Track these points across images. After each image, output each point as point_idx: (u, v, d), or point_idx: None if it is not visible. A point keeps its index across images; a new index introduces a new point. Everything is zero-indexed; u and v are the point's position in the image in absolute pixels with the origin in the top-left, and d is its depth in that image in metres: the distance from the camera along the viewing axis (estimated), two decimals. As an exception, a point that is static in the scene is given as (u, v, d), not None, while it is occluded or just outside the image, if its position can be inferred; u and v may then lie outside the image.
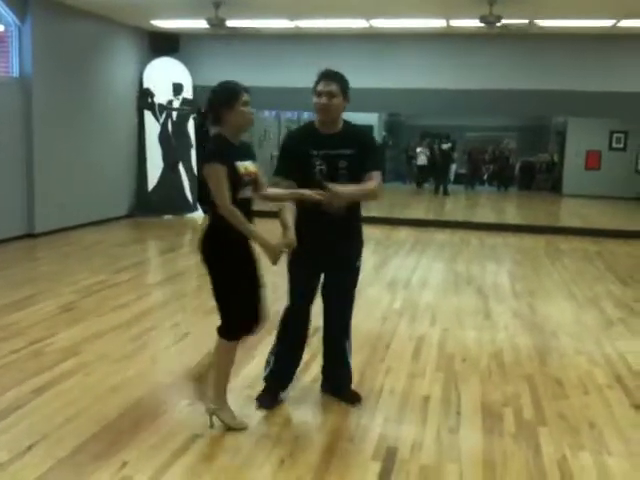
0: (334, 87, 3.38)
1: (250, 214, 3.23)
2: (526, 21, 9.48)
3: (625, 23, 9.59)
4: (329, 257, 3.56)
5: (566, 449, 3.26)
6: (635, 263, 8.82)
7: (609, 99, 10.80)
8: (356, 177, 3.40)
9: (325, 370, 3.83)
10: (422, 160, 19.24)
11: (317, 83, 3.42)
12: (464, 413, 3.64)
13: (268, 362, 3.78)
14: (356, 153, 3.42)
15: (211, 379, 3.35)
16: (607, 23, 9.69)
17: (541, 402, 3.84)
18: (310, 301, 3.66)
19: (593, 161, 18.40)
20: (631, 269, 8.30)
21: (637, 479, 3.02)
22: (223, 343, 3.33)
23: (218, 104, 3.15)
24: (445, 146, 18.18)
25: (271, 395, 3.67)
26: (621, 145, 18.29)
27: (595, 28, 10.06)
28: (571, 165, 18.60)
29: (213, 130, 3.25)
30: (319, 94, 3.39)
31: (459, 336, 5.11)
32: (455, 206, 15.39)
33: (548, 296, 6.60)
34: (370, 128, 18.97)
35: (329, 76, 3.42)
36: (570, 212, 15.62)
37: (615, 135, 18.20)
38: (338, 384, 3.78)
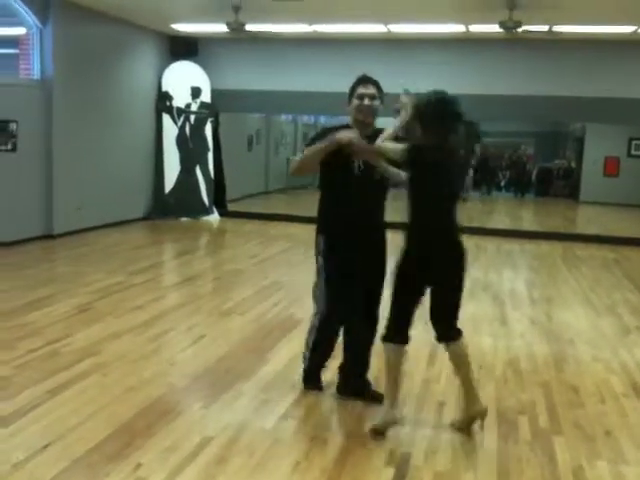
0: (374, 90, 3.57)
1: None
2: (545, 27, 9.44)
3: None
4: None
5: (582, 458, 3.24)
6: (653, 271, 8.74)
7: (629, 105, 10.71)
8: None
9: (349, 372, 3.84)
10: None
11: (355, 87, 3.60)
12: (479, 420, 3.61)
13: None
14: None
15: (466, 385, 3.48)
16: (627, 29, 9.62)
17: (557, 410, 3.81)
18: None
19: (611, 168, 18.24)
20: (649, 277, 8.22)
21: (654, 489, 3.00)
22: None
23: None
24: None
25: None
26: (640, 152, 18.13)
27: (615, 34, 9.99)
28: (589, 172, 18.47)
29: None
30: (361, 97, 3.55)
31: (475, 342, 5.07)
32: (471, 212, 15.31)
33: (565, 303, 6.55)
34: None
35: (368, 80, 3.61)
36: (588, 219, 15.50)
37: (634, 142, 18.04)
38: (361, 385, 3.81)
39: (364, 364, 3.81)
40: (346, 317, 3.69)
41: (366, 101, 3.53)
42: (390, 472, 3.00)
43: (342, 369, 3.86)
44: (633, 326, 5.75)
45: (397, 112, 3.42)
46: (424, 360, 4.57)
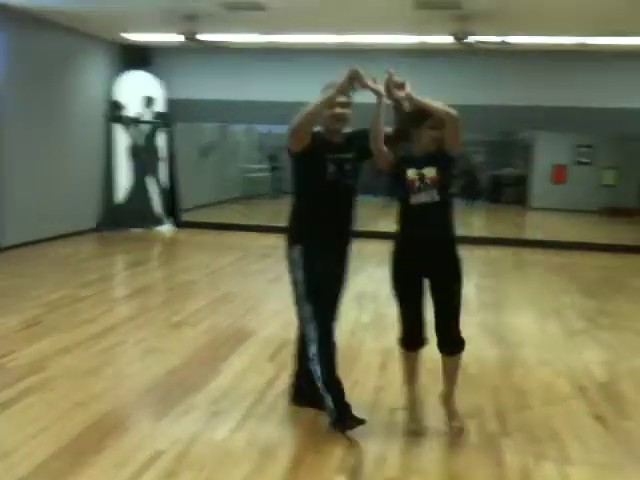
0: (346, 98, 3.56)
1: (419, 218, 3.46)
2: (497, 38, 9.64)
3: (591, 41, 9.81)
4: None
5: (529, 459, 3.30)
6: (599, 275, 8.99)
7: (578, 114, 11.03)
8: (358, 176, 3.65)
9: (307, 380, 3.70)
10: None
11: None
12: (429, 425, 3.66)
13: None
14: (356, 154, 3.62)
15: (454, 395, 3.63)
16: (575, 40, 9.91)
17: (505, 413, 3.88)
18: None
19: (559, 175, 18.73)
20: (595, 281, 8.45)
21: (598, 488, 3.08)
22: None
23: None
24: None
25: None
26: (587, 159, 18.65)
27: (563, 45, 10.28)
28: (538, 179, 18.93)
29: None
30: (337, 104, 3.52)
31: (426, 348, 5.12)
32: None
33: (514, 308, 6.68)
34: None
35: None
36: (536, 225, 15.86)
37: (581, 149, 18.56)
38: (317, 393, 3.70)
39: None
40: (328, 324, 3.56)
41: (339, 109, 3.51)
42: (341, 480, 3.02)
43: (298, 377, 3.81)
44: (579, 329, 5.90)
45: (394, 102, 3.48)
46: (376, 368, 4.61)
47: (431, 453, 3.34)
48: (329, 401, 3.46)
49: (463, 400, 4.05)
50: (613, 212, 17.65)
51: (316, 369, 3.48)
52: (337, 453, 3.27)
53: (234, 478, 2.99)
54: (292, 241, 3.57)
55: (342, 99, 3.53)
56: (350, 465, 3.15)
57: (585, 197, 18.15)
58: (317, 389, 3.62)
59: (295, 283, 3.56)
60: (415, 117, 3.46)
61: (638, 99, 10.72)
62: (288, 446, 3.34)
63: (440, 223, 3.49)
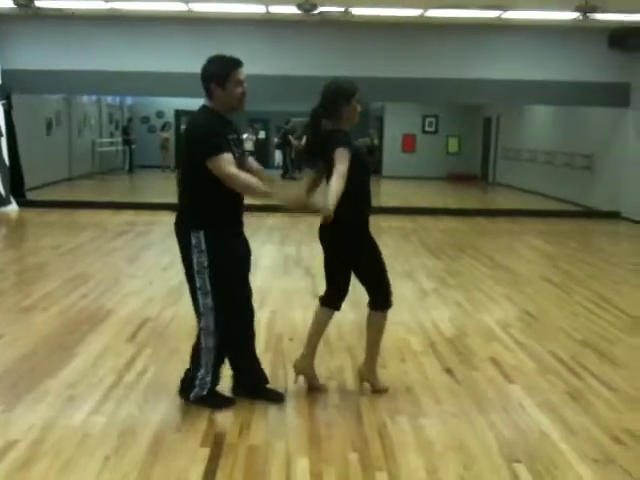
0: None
1: None
2: (342, 9, 9.82)
3: (432, 13, 10.26)
4: None
5: (385, 415, 3.49)
6: (445, 238, 9.56)
7: (422, 85, 11.54)
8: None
9: (242, 372, 3.68)
10: (249, 146, 19.32)
11: (231, 72, 3.30)
12: (291, 390, 3.75)
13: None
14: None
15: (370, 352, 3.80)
16: (416, 13, 10.31)
17: (362, 373, 4.05)
18: None
19: (408, 144, 19.58)
20: (442, 243, 8.98)
21: (448, 436, 3.29)
22: (382, 315, 3.87)
23: (338, 100, 3.68)
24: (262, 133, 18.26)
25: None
26: (433, 129, 19.62)
27: (405, 17, 10.67)
28: (389, 148, 19.68)
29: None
30: (241, 83, 3.33)
31: (287, 317, 5.25)
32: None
33: (370, 273, 6.94)
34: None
35: (242, 63, 3.36)
36: (389, 193, 16.48)
37: (427, 119, 19.47)
38: (258, 383, 3.68)
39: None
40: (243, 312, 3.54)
41: (245, 87, 3.33)
42: (205, 452, 3.03)
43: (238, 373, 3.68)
44: (429, 289, 6.27)
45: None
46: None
47: (294, 417, 3.44)
48: (207, 385, 3.48)
49: (323, 363, 4.20)
50: (457, 178, 18.79)
51: (205, 360, 3.46)
52: (199, 427, 3.27)
53: (93, 461, 2.92)
54: (193, 226, 3.34)
55: (244, 75, 3.34)
56: (213, 437, 3.17)
57: (432, 165, 19.14)
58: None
59: (195, 269, 3.36)
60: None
61: (475, 70, 11.41)
62: (149, 425, 3.29)
63: None
